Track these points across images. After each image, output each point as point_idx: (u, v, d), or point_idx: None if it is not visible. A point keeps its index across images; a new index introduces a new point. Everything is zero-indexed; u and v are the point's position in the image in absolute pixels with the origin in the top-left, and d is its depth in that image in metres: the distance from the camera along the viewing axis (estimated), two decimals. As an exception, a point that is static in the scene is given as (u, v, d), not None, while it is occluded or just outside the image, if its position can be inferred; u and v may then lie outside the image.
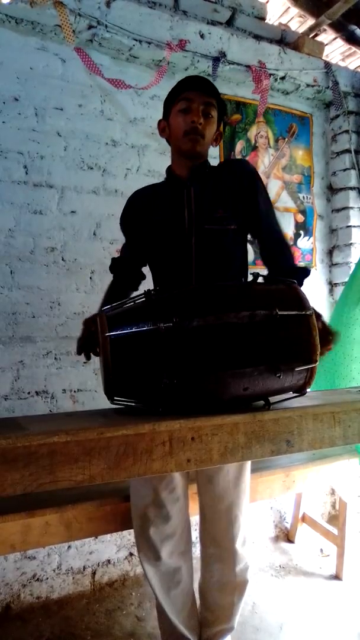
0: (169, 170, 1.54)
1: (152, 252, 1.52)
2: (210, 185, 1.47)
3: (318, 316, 1.19)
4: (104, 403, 1.15)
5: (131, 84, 2.19)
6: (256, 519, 2.50)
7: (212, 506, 1.49)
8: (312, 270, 2.70)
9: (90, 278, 2.12)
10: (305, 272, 1.43)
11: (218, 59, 2.28)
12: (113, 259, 1.65)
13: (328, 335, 1.23)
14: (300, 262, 2.67)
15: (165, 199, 1.50)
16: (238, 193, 1.47)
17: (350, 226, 2.68)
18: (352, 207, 2.68)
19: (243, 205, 1.47)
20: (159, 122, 1.53)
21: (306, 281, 1.39)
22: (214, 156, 2.40)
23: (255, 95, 2.49)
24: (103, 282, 2.13)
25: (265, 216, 1.49)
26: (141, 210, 1.54)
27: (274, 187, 2.60)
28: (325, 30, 2.84)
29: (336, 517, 2.37)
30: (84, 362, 2.07)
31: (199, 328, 1.05)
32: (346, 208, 2.70)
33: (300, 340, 1.10)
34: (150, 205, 1.53)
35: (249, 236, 1.55)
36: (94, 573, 2.10)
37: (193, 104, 1.40)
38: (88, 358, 1.31)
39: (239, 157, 2.49)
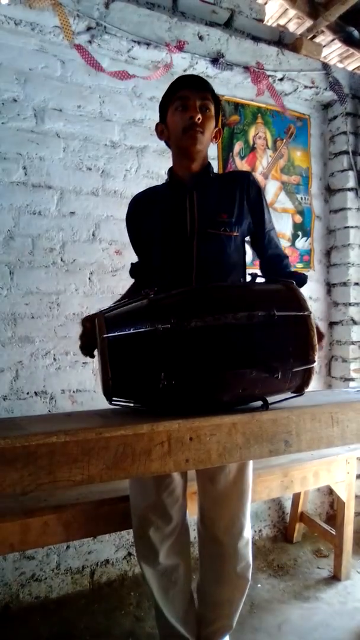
0: (171, 172, 1.54)
1: (154, 254, 1.53)
2: (213, 190, 1.48)
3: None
4: (102, 403, 1.16)
5: (130, 85, 2.20)
6: (254, 519, 2.50)
7: (214, 506, 1.49)
8: (311, 272, 2.71)
9: (89, 279, 2.13)
10: (300, 278, 1.46)
11: (216, 60, 2.28)
12: (132, 264, 1.67)
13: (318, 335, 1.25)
14: (298, 263, 2.68)
15: (167, 202, 1.50)
16: (244, 204, 1.49)
17: (348, 227, 2.68)
18: (349, 208, 2.69)
19: (249, 218, 1.50)
20: (157, 125, 1.53)
21: (303, 288, 1.41)
22: (213, 157, 2.40)
23: (254, 97, 2.50)
24: (102, 283, 2.14)
25: (270, 234, 1.55)
26: (143, 214, 1.55)
27: (272, 188, 2.61)
28: (323, 31, 2.85)
29: (334, 517, 2.37)
30: (84, 363, 2.07)
31: (197, 329, 1.05)
32: (344, 209, 2.71)
33: (298, 341, 1.11)
34: (152, 208, 1.53)
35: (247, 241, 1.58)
36: (92, 573, 2.11)
37: (189, 101, 1.40)
38: (92, 356, 1.33)
39: (237, 158, 2.50)
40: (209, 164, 1.52)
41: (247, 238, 1.58)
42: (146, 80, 2.19)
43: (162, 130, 1.51)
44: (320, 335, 1.29)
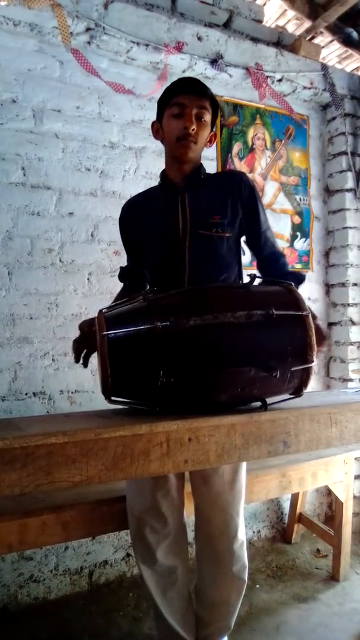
0: (163, 174, 1.55)
1: (147, 255, 1.53)
2: (205, 192, 1.48)
3: (313, 317, 1.21)
4: (101, 404, 1.16)
5: (129, 86, 2.20)
6: (253, 520, 2.50)
7: (208, 507, 1.49)
8: (309, 273, 2.71)
9: (88, 279, 2.13)
10: (298, 277, 1.45)
11: (215, 61, 2.29)
12: (121, 268, 1.67)
13: (321, 337, 1.25)
14: (297, 264, 2.68)
15: (159, 204, 1.51)
16: (237, 205, 1.48)
17: (346, 228, 2.69)
18: (348, 209, 2.69)
19: (242, 218, 1.50)
20: (153, 123, 1.54)
21: (301, 287, 1.40)
22: (211, 158, 2.40)
23: (253, 98, 2.51)
24: (100, 283, 2.14)
25: (266, 234, 1.54)
26: (136, 218, 1.56)
27: (270, 189, 2.61)
28: (322, 32, 2.85)
29: (333, 518, 2.37)
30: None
31: (196, 327, 1.05)
32: (342, 210, 2.71)
33: (297, 340, 1.11)
34: (144, 211, 1.54)
35: (243, 241, 1.57)
36: (91, 574, 2.10)
37: (186, 109, 1.41)
38: (85, 364, 1.33)
39: (235, 159, 2.50)
40: (201, 165, 1.53)
41: (243, 238, 1.57)
42: (144, 83, 2.19)
43: (158, 129, 1.52)
44: (323, 337, 1.29)
